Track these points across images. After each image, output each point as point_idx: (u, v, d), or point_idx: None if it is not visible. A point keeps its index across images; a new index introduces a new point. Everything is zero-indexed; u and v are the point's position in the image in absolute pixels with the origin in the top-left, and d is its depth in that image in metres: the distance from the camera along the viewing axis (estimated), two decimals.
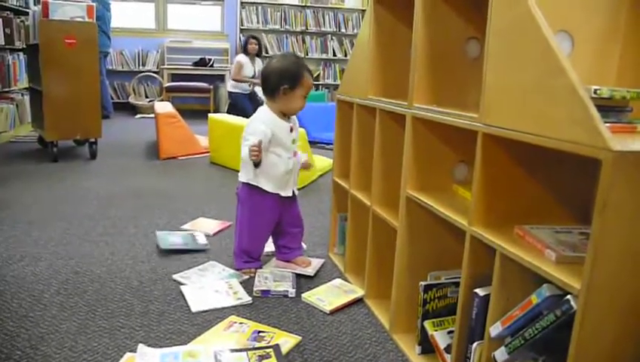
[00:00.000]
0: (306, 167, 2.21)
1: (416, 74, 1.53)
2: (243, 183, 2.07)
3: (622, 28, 1.21)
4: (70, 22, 4.10)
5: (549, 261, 1.04)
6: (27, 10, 5.49)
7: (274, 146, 2.00)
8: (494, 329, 1.17)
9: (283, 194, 2.06)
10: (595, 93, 0.98)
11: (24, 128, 5.63)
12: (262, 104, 2.10)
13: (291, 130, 2.04)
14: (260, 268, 2.16)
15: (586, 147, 0.89)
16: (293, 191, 2.12)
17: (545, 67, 1.00)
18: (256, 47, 6.35)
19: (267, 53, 8.14)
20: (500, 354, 1.15)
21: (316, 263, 2.21)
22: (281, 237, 2.19)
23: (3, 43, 5.06)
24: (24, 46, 5.36)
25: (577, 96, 0.91)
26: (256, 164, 1.97)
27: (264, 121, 2.00)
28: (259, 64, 6.34)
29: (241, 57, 6.28)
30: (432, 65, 1.53)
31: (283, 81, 1.98)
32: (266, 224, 2.12)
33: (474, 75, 1.49)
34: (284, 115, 2.04)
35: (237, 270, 2.13)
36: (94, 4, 5.84)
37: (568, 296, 0.96)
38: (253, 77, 6.25)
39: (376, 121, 1.80)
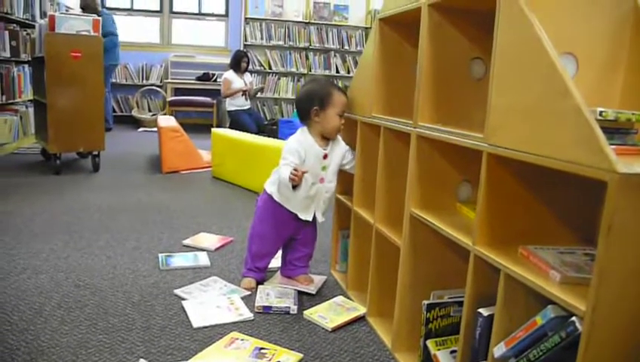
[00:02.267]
0: None
1: (421, 93, 1.53)
2: (265, 192, 2.08)
3: (626, 51, 1.23)
4: (76, 35, 4.13)
5: (553, 282, 1.04)
6: (33, 23, 5.53)
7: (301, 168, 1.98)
8: (498, 350, 1.16)
9: (302, 217, 2.05)
10: (600, 115, 0.99)
11: (27, 140, 5.65)
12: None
13: (325, 156, 2.03)
14: (262, 279, 2.16)
15: (592, 169, 0.90)
16: (315, 217, 2.09)
17: (550, 88, 1.00)
18: (246, 65, 6.47)
19: (271, 68, 8.20)
20: None
21: (318, 281, 2.20)
22: (290, 253, 2.19)
23: (9, 55, 5.09)
24: (29, 58, 5.40)
25: (583, 117, 0.92)
26: (294, 187, 1.95)
27: (299, 140, 2.01)
28: (247, 77, 6.44)
29: (229, 74, 6.35)
30: (436, 85, 1.54)
31: (313, 104, 1.99)
32: (277, 236, 2.12)
33: (478, 95, 1.50)
34: (324, 140, 2.04)
35: (241, 279, 2.15)
36: (107, 16, 5.86)
37: (573, 318, 0.95)
38: (245, 92, 6.32)
39: (381, 139, 1.81)
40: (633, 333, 0.94)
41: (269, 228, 2.10)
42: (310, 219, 2.07)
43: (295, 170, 1.88)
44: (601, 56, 1.23)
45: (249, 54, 6.67)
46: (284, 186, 1.97)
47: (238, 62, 6.38)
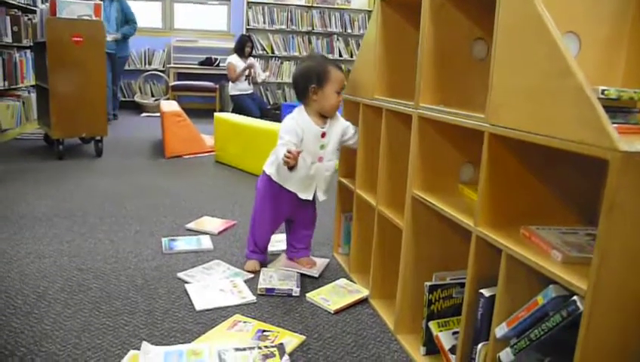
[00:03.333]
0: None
1: (423, 74, 1.52)
2: (264, 173, 2.08)
3: (628, 30, 1.21)
4: (78, 20, 4.11)
5: (555, 262, 1.04)
6: (35, 8, 5.51)
7: (300, 148, 1.97)
8: (500, 330, 1.16)
9: (302, 196, 2.04)
10: (602, 93, 0.98)
11: (30, 125, 5.66)
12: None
13: (323, 135, 2.01)
14: (265, 261, 2.17)
15: (594, 147, 0.89)
16: (315, 196, 2.08)
17: (552, 67, 0.99)
18: (250, 50, 6.42)
19: (273, 52, 8.15)
20: (506, 355, 1.14)
21: (321, 263, 2.20)
22: (290, 235, 2.20)
23: (10, 41, 5.08)
24: (31, 44, 5.38)
25: (585, 96, 0.91)
26: (290, 168, 1.91)
27: (296, 118, 1.99)
28: (250, 61, 6.41)
29: (233, 58, 6.28)
30: (438, 66, 1.52)
31: (310, 81, 1.97)
32: (275, 215, 2.12)
33: (480, 75, 1.48)
34: (322, 118, 2.02)
35: (245, 262, 2.17)
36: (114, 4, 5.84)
37: (575, 297, 0.95)
38: (248, 76, 6.28)
39: (382, 121, 1.80)
40: (634, 312, 0.94)
41: (269, 209, 2.10)
42: (310, 198, 2.06)
43: (289, 151, 1.84)
44: (604, 35, 1.21)
45: (252, 38, 6.60)
46: (282, 167, 1.96)
47: (242, 47, 6.33)
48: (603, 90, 0.98)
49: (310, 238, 2.22)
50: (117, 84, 6.73)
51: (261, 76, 6.63)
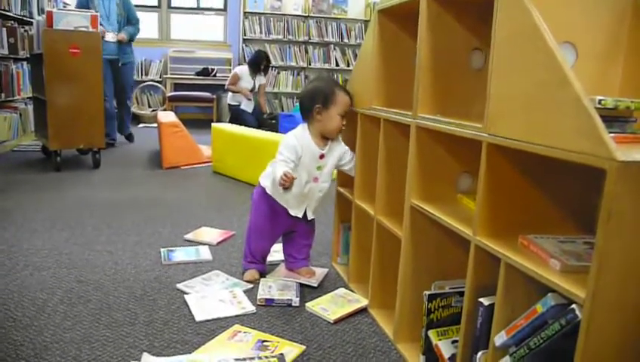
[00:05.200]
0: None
1: (421, 84, 1.53)
2: (259, 185, 2.09)
3: (624, 40, 1.22)
4: (74, 31, 4.13)
5: (553, 270, 1.05)
6: (31, 19, 5.53)
7: (296, 166, 1.98)
8: (499, 339, 1.17)
9: (292, 213, 2.06)
10: (599, 103, 0.99)
11: (27, 137, 5.65)
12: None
13: (321, 157, 2.02)
14: (264, 271, 2.17)
15: (591, 157, 0.90)
16: (306, 215, 2.09)
17: (549, 77, 1.01)
18: (265, 66, 6.41)
19: (270, 63, 8.16)
20: None
21: (320, 273, 2.21)
22: (289, 246, 2.20)
23: (7, 52, 5.09)
24: (28, 55, 5.39)
25: (582, 106, 0.92)
26: (284, 189, 1.92)
27: (297, 135, 2.00)
28: (260, 79, 6.37)
29: (240, 69, 6.29)
30: (436, 76, 1.54)
31: (316, 101, 1.98)
32: (273, 228, 2.13)
33: (478, 85, 1.50)
34: (324, 139, 2.03)
35: (243, 272, 2.16)
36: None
37: (573, 305, 0.96)
38: (252, 90, 6.26)
39: (381, 131, 1.81)
40: (633, 320, 0.95)
41: (265, 221, 2.10)
42: (300, 215, 2.07)
43: (286, 174, 1.85)
44: (601, 45, 1.23)
45: (269, 57, 6.60)
46: (277, 182, 1.97)
47: (258, 64, 6.31)
48: (600, 100, 1.00)
49: (309, 248, 2.23)
50: (128, 97, 5.65)
51: (250, 105, 6.49)
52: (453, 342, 1.47)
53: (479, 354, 1.26)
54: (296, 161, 1.96)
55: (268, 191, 2.06)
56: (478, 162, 1.24)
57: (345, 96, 2.01)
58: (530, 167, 1.23)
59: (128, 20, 5.39)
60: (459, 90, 1.56)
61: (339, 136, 2.08)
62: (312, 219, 2.17)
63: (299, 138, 2.00)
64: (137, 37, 5.60)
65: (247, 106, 6.25)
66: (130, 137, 5.88)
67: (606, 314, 0.91)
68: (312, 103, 1.99)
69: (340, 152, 2.08)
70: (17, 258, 2.30)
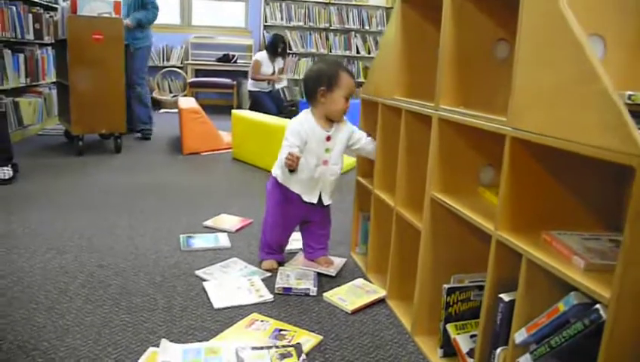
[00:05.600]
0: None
1: (444, 75, 1.51)
2: (272, 176, 2.09)
3: None
4: (98, 18, 4.16)
5: (576, 268, 1.03)
6: (56, 6, 5.56)
7: (305, 151, 1.98)
8: (519, 336, 1.15)
9: (305, 198, 2.05)
10: (629, 98, 0.97)
11: (51, 121, 5.73)
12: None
13: (328, 138, 2.01)
14: (282, 260, 2.18)
15: (619, 154, 0.88)
16: (321, 200, 2.07)
17: (577, 71, 0.98)
18: (282, 49, 6.41)
19: (291, 49, 8.15)
20: (525, 360, 1.14)
21: (338, 263, 2.20)
22: (307, 236, 2.20)
23: (32, 38, 5.14)
24: (53, 41, 5.45)
25: (611, 101, 0.89)
26: (291, 171, 1.95)
27: (301, 122, 2.00)
28: (279, 63, 6.37)
29: (260, 55, 6.31)
30: (459, 66, 1.51)
31: (320, 84, 1.97)
32: (288, 219, 2.12)
33: (502, 77, 1.47)
34: (329, 121, 2.02)
35: (260, 262, 2.16)
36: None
37: (597, 306, 0.94)
38: (272, 74, 6.29)
39: (402, 122, 1.79)
40: None
41: (280, 211, 2.10)
42: (315, 201, 2.06)
43: (290, 153, 1.87)
44: (630, 38, 1.19)
45: (286, 39, 6.60)
46: (284, 166, 1.97)
47: (275, 47, 6.35)
48: (630, 95, 0.97)
49: (327, 238, 2.22)
50: (138, 83, 5.07)
51: (282, 83, 6.64)
52: (472, 336, 1.46)
53: (498, 350, 1.25)
54: (301, 145, 1.95)
55: (279, 179, 2.05)
56: (501, 155, 1.22)
57: (349, 78, 2.00)
58: (554, 162, 1.21)
59: (143, 5, 5.02)
60: (482, 82, 1.54)
61: (344, 117, 2.06)
62: (328, 208, 2.16)
63: (303, 123, 1.99)
64: (158, 22, 5.34)
65: (267, 87, 6.36)
66: (145, 133, 5.19)
67: (631, 315, 0.89)
68: (315, 86, 1.98)
69: (347, 133, 2.07)
70: (41, 241, 2.34)
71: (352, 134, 2.09)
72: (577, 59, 0.98)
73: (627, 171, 0.86)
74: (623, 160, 0.87)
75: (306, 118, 2.02)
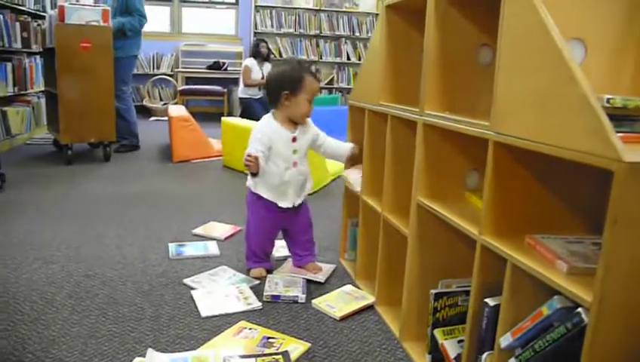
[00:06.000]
0: (353, 154, 2.16)
1: (428, 80, 1.52)
2: (248, 188, 2.09)
3: (636, 36, 1.20)
4: (86, 26, 4.14)
5: (560, 272, 1.03)
6: (44, 14, 5.55)
7: (271, 155, 1.98)
8: (504, 340, 1.15)
9: (281, 204, 2.04)
10: (607, 102, 0.97)
11: (39, 130, 5.70)
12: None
13: (294, 140, 2.01)
14: (271, 268, 2.17)
15: (598, 158, 0.88)
16: (294, 204, 2.07)
17: (557, 76, 0.98)
18: (266, 50, 6.39)
19: (281, 56, 8.16)
20: None
21: (327, 269, 2.20)
22: (292, 244, 2.20)
23: (20, 46, 5.12)
24: (41, 49, 5.43)
25: (589, 105, 0.90)
26: (253, 174, 1.96)
27: (262, 128, 1.99)
28: (267, 68, 6.38)
29: (249, 61, 6.33)
30: (443, 72, 1.52)
31: (283, 87, 1.96)
32: (269, 228, 2.12)
33: (486, 82, 1.47)
34: (292, 123, 2.02)
35: (248, 270, 2.14)
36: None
37: (579, 309, 0.94)
38: (262, 79, 6.31)
39: (388, 128, 1.79)
40: None
41: (260, 221, 2.09)
42: (289, 206, 2.05)
43: (248, 155, 1.88)
44: (611, 42, 1.20)
45: (266, 41, 6.60)
46: (258, 177, 1.98)
47: (258, 51, 6.37)
48: (608, 99, 0.98)
49: (312, 243, 2.22)
50: (116, 95, 4.50)
51: None
52: (459, 341, 1.45)
53: (484, 355, 1.25)
54: (265, 151, 1.95)
55: (252, 189, 2.05)
56: (487, 159, 1.22)
57: (313, 82, 1.99)
58: (538, 166, 1.21)
59: (128, 11, 4.71)
60: (466, 87, 1.54)
61: (308, 118, 2.07)
62: (307, 212, 2.16)
63: (265, 128, 1.99)
64: (148, 30, 5.08)
65: (258, 94, 6.37)
66: (119, 148, 4.82)
67: (613, 318, 0.90)
68: (279, 89, 1.96)
69: (312, 133, 2.07)
70: (27, 251, 2.32)
71: (318, 135, 2.10)
72: (557, 64, 0.98)
73: (609, 174, 0.87)
74: (601, 163, 0.87)
75: (268, 123, 2.01)
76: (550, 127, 1.00)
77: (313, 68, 2.04)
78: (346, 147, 2.16)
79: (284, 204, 2.04)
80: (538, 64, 1.04)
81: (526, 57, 1.09)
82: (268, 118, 2.03)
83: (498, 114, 1.17)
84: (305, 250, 2.19)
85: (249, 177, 2.06)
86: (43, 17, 5.58)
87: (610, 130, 0.86)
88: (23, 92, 5.24)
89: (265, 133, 1.97)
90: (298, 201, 2.09)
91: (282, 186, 2.02)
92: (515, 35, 1.12)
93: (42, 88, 5.58)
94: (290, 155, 2.01)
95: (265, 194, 2.03)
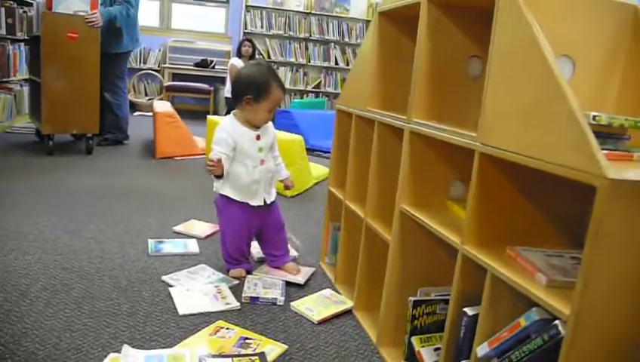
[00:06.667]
0: (288, 186, 2.23)
1: (417, 88, 1.53)
2: (218, 193, 2.08)
3: (623, 55, 1.22)
4: (73, 15, 4.09)
5: (539, 284, 1.04)
6: (31, 1, 5.47)
7: (238, 155, 1.98)
8: (481, 350, 1.16)
9: (252, 203, 2.04)
10: (593, 119, 0.99)
11: (21, 119, 5.61)
12: None
13: (258, 138, 2.01)
14: (250, 269, 2.16)
15: (582, 173, 0.89)
16: (265, 200, 2.07)
17: (545, 91, 1.00)
18: (250, 49, 6.36)
19: (270, 57, 8.15)
20: None
21: (306, 271, 2.20)
22: (266, 246, 2.19)
23: (5, 33, 5.04)
24: (26, 37, 5.35)
25: (576, 121, 0.91)
26: (218, 176, 1.95)
27: (226, 129, 1.98)
28: None
29: (235, 60, 6.30)
30: (432, 81, 1.53)
31: (248, 91, 1.95)
32: (244, 231, 2.11)
33: (474, 93, 1.49)
34: (253, 125, 2.02)
35: (228, 271, 2.13)
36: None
37: (556, 321, 0.95)
38: None
39: (374, 134, 1.80)
40: (617, 339, 0.94)
41: (234, 228, 2.09)
42: (261, 203, 2.06)
43: (210, 159, 1.88)
44: (599, 60, 1.23)
45: (253, 40, 6.57)
46: (226, 179, 1.99)
47: (239, 48, 6.36)
48: (594, 116, 0.99)
49: (285, 243, 2.22)
50: (107, 88, 4.63)
51: None
52: (436, 349, 1.46)
53: None
54: (229, 153, 1.95)
55: (222, 192, 2.05)
56: (472, 170, 1.23)
57: (279, 93, 1.99)
58: (522, 179, 1.23)
59: (117, 1, 4.49)
60: (455, 97, 1.56)
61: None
62: (277, 210, 2.17)
63: (229, 129, 1.98)
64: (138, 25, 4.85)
65: None
66: (102, 142, 4.76)
67: (589, 332, 0.91)
68: (243, 92, 1.96)
69: (272, 134, 2.10)
70: (3, 241, 2.27)
71: (275, 141, 2.12)
72: (546, 79, 1.00)
73: (591, 190, 0.88)
74: (586, 179, 0.89)
75: (231, 123, 2.01)
76: (536, 141, 1.02)
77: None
78: (285, 173, 2.21)
79: (255, 202, 2.04)
80: (528, 78, 1.06)
81: (516, 71, 1.10)
82: (231, 118, 2.03)
83: (485, 125, 1.19)
84: (279, 249, 2.18)
85: (214, 182, 2.05)
86: (30, 4, 5.50)
87: (595, 146, 0.87)
88: (5, 79, 5.15)
89: (229, 132, 1.97)
90: (269, 198, 2.09)
91: (254, 185, 2.02)
92: (506, 48, 1.14)
93: (25, 76, 5.50)
94: (257, 153, 2.02)
95: (235, 195, 2.03)
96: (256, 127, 2.03)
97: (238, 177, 2.00)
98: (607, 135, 1.04)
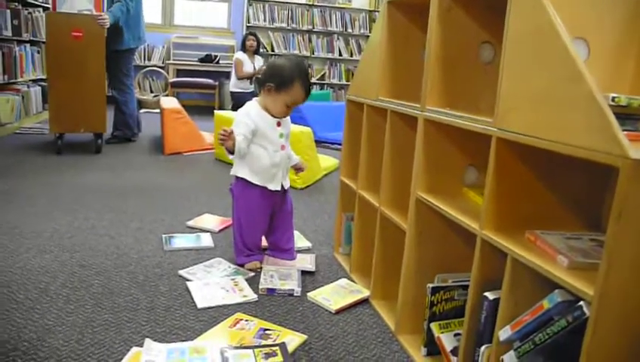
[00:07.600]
0: (301, 168, 2.25)
1: (430, 76, 1.53)
2: (235, 178, 2.10)
3: (638, 37, 1.22)
4: (77, 15, 4.10)
5: (561, 267, 1.05)
6: (35, 2, 5.49)
7: (259, 139, 2.01)
8: (503, 334, 1.17)
9: (270, 187, 2.06)
10: (612, 100, 0.99)
11: (29, 120, 5.63)
12: None
13: (279, 124, 2.05)
14: (262, 260, 2.17)
15: (604, 154, 0.90)
16: (283, 186, 2.11)
17: (563, 73, 1.00)
18: (255, 43, 6.34)
19: (273, 51, 8.14)
20: (509, 358, 1.15)
21: (310, 258, 2.23)
22: (275, 235, 2.20)
23: (10, 34, 5.06)
24: (31, 38, 5.36)
25: (595, 103, 0.92)
26: (230, 151, 1.97)
27: (249, 112, 2.02)
28: (258, 61, 6.35)
29: (240, 54, 6.29)
30: (445, 68, 1.53)
31: (272, 79, 1.99)
32: (260, 217, 2.12)
33: (486, 79, 1.49)
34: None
35: (239, 266, 2.14)
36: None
37: (581, 303, 0.96)
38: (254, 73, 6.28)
39: (387, 123, 1.80)
40: None
41: (251, 214, 2.10)
42: (279, 188, 2.08)
43: (223, 129, 1.90)
44: (613, 42, 1.22)
45: (257, 35, 6.55)
46: (247, 162, 2.03)
47: (243, 42, 6.35)
48: (613, 97, 0.99)
49: (292, 238, 2.24)
50: (115, 86, 4.73)
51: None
52: (456, 334, 1.47)
53: (482, 348, 1.27)
54: (247, 134, 1.98)
55: (240, 175, 2.07)
56: (485, 155, 1.23)
57: (300, 91, 2.01)
58: (538, 163, 1.23)
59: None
60: (467, 83, 1.55)
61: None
62: (291, 200, 2.20)
63: (250, 112, 2.02)
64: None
65: (249, 88, 6.30)
66: (110, 139, 4.78)
67: (614, 312, 0.91)
68: (268, 79, 2.00)
69: (290, 126, 2.14)
70: (20, 240, 2.30)
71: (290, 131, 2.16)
72: (563, 61, 1.00)
73: (609, 171, 0.88)
74: (608, 160, 0.89)
75: (253, 107, 2.04)
76: (555, 124, 1.02)
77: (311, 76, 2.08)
78: (295, 157, 2.22)
79: (273, 186, 2.07)
80: (544, 61, 1.06)
81: (531, 54, 1.10)
82: (254, 103, 2.06)
83: (502, 110, 1.19)
84: (289, 243, 2.21)
85: (234, 165, 2.09)
86: (34, 5, 5.52)
87: (616, 127, 0.87)
88: (12, 80, 5.17)
89: (250, 115, 2.00)
90: (287, 184, 2.13)
91: (273, 168, 2.05)
92: (521, 32, 1.14)
93: (32, 77, 5.52)
94: (278, 139, 2.05)
95: (253, 178, 2.05)
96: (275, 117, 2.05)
97: (258, 159, 2.02)
98: (626, 116, 1.04)
